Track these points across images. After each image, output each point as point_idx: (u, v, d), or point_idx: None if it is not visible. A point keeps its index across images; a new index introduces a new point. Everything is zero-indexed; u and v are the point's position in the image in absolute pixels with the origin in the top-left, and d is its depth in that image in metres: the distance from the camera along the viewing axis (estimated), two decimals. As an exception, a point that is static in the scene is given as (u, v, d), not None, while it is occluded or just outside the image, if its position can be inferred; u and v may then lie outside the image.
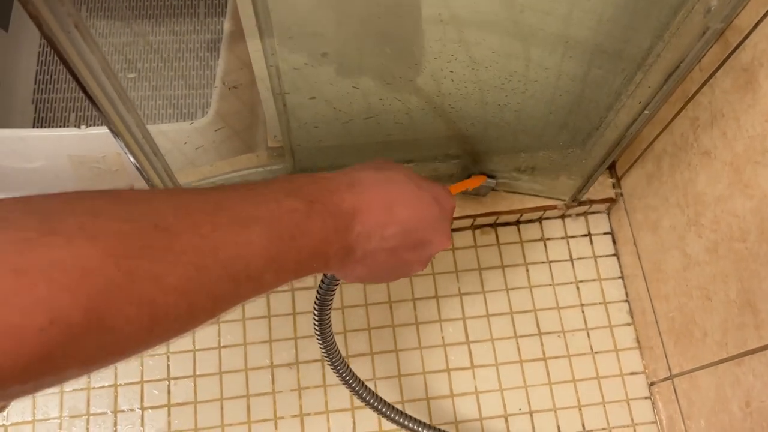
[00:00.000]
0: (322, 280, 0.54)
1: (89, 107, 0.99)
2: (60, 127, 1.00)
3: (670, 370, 0.72)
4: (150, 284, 0.28)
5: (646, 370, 0.77)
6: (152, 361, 0.74)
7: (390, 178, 0.43)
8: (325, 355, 0.60)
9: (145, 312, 0.28)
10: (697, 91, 0.61)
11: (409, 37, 0.49)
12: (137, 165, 0.51)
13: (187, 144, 0.77)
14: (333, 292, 0.55)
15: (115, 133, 0.46)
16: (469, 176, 0.73)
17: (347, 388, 0.63)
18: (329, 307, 0.56)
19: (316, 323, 0.57)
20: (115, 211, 0.28)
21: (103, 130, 0.54)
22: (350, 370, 0.62)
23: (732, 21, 0.48)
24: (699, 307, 0.65)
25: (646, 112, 0.57)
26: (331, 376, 0.70)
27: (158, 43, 1.03)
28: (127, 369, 0.74)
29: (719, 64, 0.57)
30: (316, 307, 0.56)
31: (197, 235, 0.30)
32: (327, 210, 0.37)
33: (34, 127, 0.99)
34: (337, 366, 0.61)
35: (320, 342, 0.59)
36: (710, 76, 0.58)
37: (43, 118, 0.99)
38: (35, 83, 0.99)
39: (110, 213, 0.28)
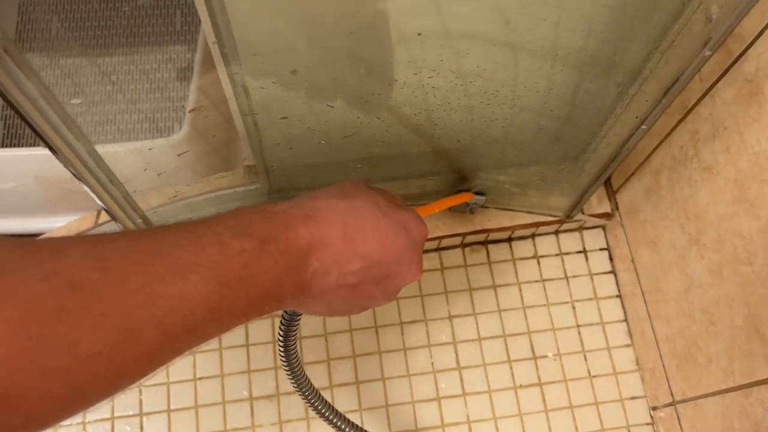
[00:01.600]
0: (283, 313, 0.50)
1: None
2: (32, 145, 0.96)
3: (672, 395, 0.68)
4: (65, 353, 0.24)
5: (647, 395, 0.73)
6: (124, 396, 0.70)
7: (353, 207, 0.40)
8: (296, 387, 0.56)
9: (60, 384, 0.24)
10: (697, 103, 0.57)
11: (385, 52, 0.45)
12: (91, 192, 0.47)
13: (159, 162, 0.73)
14: (297, 322, 0.51)
15: (64, 161, 0.42)
16: (458, 192, 0.69)
17: (324, 420, 0.59)
18: (294, 337, 0.52)
19: (282, 355, 0.53)
20: (26, 267, 0.24)
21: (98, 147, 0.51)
22: (324, 401, 0.58)
23: (734, 29, 0.44)
24: (702, 332, 0.61)
25: (643, 126, 0.54)
26: (314, 409, 0.66)
27: (134, 53, 0.99)
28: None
29: (721, 74, 0.53)
30: (281, 338, 0.52)
31: (124, 291, 0.26)
32: (279, 248, 0.34)
33: (3, 146, 0.94)
34: (310, 398, 0.57)
35: (288, 374, 0.55)
36: (711, 87, 0.55)
37: (13, 134, 0.95)
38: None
39: (21, 270, 0.24)
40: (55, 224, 0.81)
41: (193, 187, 0.67)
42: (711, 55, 0.45)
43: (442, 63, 0.47)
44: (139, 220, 0.55)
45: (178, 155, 0.63)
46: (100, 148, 0.44)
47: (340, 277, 0.38)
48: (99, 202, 0.49)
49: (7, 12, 1.00)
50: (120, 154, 0.63)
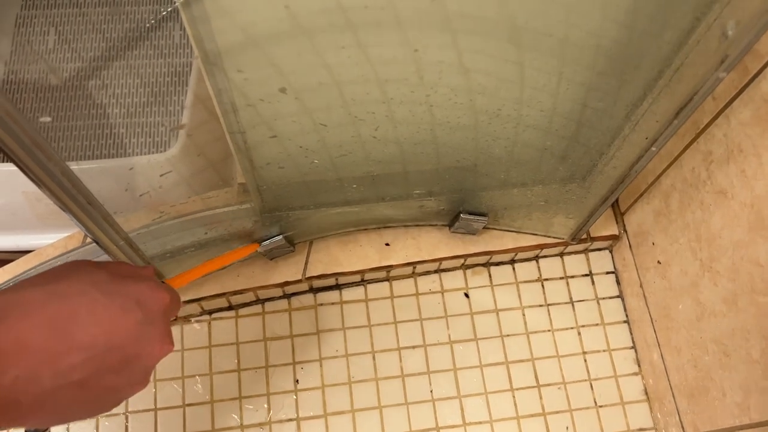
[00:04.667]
0: None
1: (56, 138, 0.93)
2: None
3: (683, 428, 0.64)
4: None
5: (656, 427, 0.70)
6: None
7: (59, 294, 0.35)
8: None
9: None
10: (710, 123, 0.54)
11: (380, 69, 0.42)
12: (68, 214, 0.44)
13: (152, 178, 0.71)
14: None
15: (34, 180, 0.40)
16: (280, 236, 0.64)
17: None
18: None
19: None
20: None
21: (73, 165, 0.48)
22: None
23: (752, 46, 0.41)
24: (716, 363, 0.58)
25: (653, 149, 0.51)
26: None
27: (134, 57, 0.96)
28: None
29: (736, 93, 0.50)
30: None
31: None
32: None
33: (-2, 161, 0.92)
34: None
35: None
36: (726, 106, 0.52)
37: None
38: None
39: None
40: (44, 241, 0.78)
41: (183, 206, 0.65)
42: (726, 75, 0.43)
43: (440, 80, 0.45)
44: (122, 242, 0.52)
45: (161, 175, 0.60)
46: (77, 166, 0.41)
47: (56, 377, 0.33)
48: (77, 224, 0.46)
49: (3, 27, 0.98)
50: (98, 172, 0.60)
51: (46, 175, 0.39)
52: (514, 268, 0.76)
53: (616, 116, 0.51)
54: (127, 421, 0.67)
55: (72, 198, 0.43)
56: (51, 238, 0.78)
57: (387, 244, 0.71)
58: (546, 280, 0.75)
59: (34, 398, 0.33)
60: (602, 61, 0.46)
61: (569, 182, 0.61)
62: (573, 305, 0.75)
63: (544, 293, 0.75)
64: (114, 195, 0.64)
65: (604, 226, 0.73)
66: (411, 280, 0.74)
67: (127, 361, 0.38)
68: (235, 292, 0.69)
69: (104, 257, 0.52)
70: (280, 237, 0.65)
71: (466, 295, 0.74)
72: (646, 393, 0.71)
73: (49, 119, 0.75)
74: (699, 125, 0.55)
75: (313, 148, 0.51)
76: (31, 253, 0.72)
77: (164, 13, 0.92)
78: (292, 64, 0.40)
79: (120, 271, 0.43)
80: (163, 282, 0.52)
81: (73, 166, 0.40)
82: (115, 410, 0.67)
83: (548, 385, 0.71)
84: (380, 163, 0.56)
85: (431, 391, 0.70)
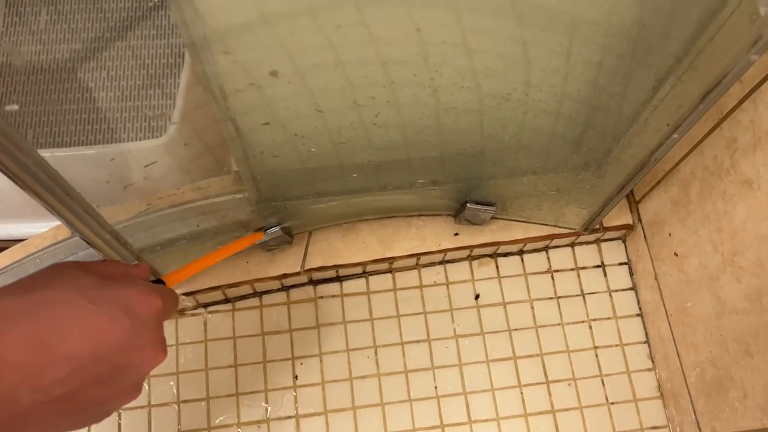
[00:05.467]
0: None
1: (49, 122, 0.89)
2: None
3: (699, 428, 0.61)
4: None
5: (671, 424, 0.67)
6: None
7: (40, 303, 0.33)
8: None
9: None
10: (735, 107, 0.51)
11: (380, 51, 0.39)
12: (46, 207, 0.41)
13: (141, 166, 0.68)
14: None
15: (5, 173, 0.37)
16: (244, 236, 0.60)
17: None
18: None
19: None
20: None
21: (47, 153, 0.45)
22: None
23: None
24: (736, 363, 0.54)
25: (675, 135, 0.47)
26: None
27: (131, 38, 0.93)
28: None
29: (765, 76, 0.46)
30: None
31: None
32: None
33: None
34: None
35: None
36: (753, 90, 0.48)
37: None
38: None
39: None
40: (35, 230, 0.75)
41: (175, 196, 0.62)
42: (759, 58, 0.39)
43: (445, 62, 0.41)
44: (108, 236, 0.49)
45: (145, 166, 0.57)
46: (54, 154, 0.38)
47: (37, 393, 0.31)
48: (57, 217, 0.43)
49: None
50: (82, 160, 0.57)
51: (16, 165, 0.37)
52: (522, 260, 0.73)
53: (635, 100, 0.47)
54: (120, 419, 0.65)
55: (48, 189, 0.40)
56: (43, 227, 0.75)
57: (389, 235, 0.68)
58: (556, 271, 0.72)
59: (13, 416, 0.31)
60: (620, 41, 0.43)
61: (583, 170, 0.58)
62: (584, 298, 0.71)
63: (554, 285, 0.72)
64: (99, 185, 0.62)
65: (618, 216, 0.70)
66: (415, 272, 0.71)
67: (116, 371, 0.36)
68: (232, 285, 0.66)
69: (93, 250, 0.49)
70: (278, 228, 0.62)
71: (476, 298, 0.71)
72: (660, 390, 0.68)
73: (16, 107, 0.72)
74: (723, 110, 0.52)
75: (310, 135, 0.47)
76: (18, 245, 0.69)
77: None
78: (283, 45, 0.37)
79: (109, 272, 0.40)
80: (159, 281, 0.49)
81: (54, 154, 0.37)
82: (107, 407, 0.65)
83: (558, 381, 0.68)
84: (382, 150, 0.52)
85: (435, 388, 0.68)
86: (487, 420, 0.67)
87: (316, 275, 0.69)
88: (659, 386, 0.68)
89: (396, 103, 0.45)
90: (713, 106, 0.50)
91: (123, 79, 0.92)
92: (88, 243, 0.50)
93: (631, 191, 0.70)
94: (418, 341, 0.69)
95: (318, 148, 0.49)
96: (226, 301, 0.69)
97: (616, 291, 0.72)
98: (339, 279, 0.70)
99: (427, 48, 0.39)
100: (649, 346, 0.70)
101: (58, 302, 0.34)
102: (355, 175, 0.56)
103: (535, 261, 0.72)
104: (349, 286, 0.70)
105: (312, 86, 0.42)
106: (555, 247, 0.73)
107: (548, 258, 0.73)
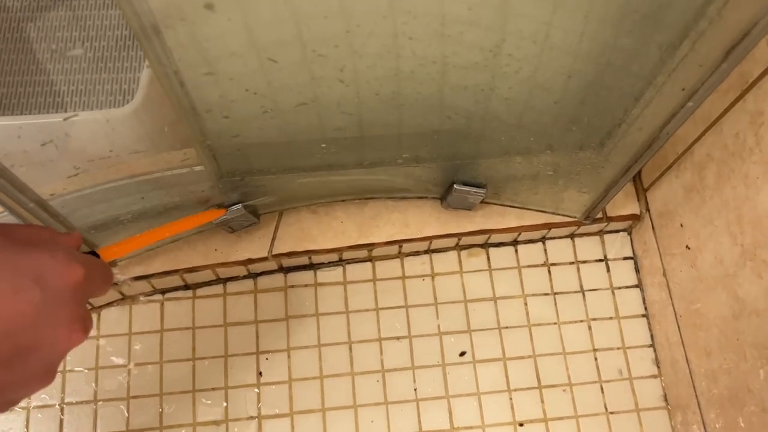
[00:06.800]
0: None
1: (25, 93, 0.83)
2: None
3: (709, 444, 0.55)
4: None
5: (677, 439, 0.60)
6: None
7: None
8: None
9: None
10: (761, 77, 0.44)
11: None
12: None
13: (106, 136, 0.61)
14: None
15: None
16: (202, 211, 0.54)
17: None
18: None
19: None
20: None
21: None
22: None
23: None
24: (755, 372, 0.47)
25: (690, 103, 0.40)
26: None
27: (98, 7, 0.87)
28: None
29: (801, 35, 0.39)
30: None
31: None
32: None
33: None
34: None
35: None
36: (785, 53, 0.41)
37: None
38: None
39: None
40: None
41: (126, 168, 0.55)
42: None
43: (419, 5, 0.34)
44: (32, 204, 0.43)
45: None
46: None
47: None
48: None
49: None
50: (21, 128, 0.51)
51: None
52: (516, 251, 0.66)
53: (648, 60, 0.40)
54: (62, 414, 0.58)
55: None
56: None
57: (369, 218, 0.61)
58: (553, 264, 0.65)
59: None
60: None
61: (584, 148, 0.51)
62: (584, 295, 0.65)
63: (550, 280, 0.65)
64: (42, 155, 0.55)
65: (623, 204, 0.63)
66: (397, 261, 0.64)
67: (21, 352, 0.29)
68: (191, 269, 0.60)
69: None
70: (240, 206, 0.55)
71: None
72: (666, 399, 0.61)
73: None
74: (748, 78, 0.45)
75: (263, 92, 0.41)
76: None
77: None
78: (215, -33, 0.30)
79: (24, 236, 0.33)
80: (93, 254, 0.41)
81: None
82: (48, 401, 0.58)
83: (552, 386, 0.62)
84: (353, 116, 0.46)
85: (415, 390, 0.61)
86: (471, 427, 0.60)
87: (287, 262, 0.62)
88: (665, 395, 0.61)
89: (362, 53, 0.38)
90: (734, 73, 0.43)
91: (91, 50, 0.85)
92: (11, 212, 0.44)
93: (639, 177, 0.64)
94: (398, 337, 0.62)
95: (275, 109, 0.43)
96: (186, 287, 0.62)
97: (619, 288, 0.65)
98: (312, 267, 0.64)
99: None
100: (654, 350, 0.63)
101: None
102: (324, 145, 0.49)
103: (530, 252, 0.66)
104: (324, 275, 0.64)
105: (258, 30, 0.35)
106: (553, 237, 0.66)
107: (545, 250, 0.66)
